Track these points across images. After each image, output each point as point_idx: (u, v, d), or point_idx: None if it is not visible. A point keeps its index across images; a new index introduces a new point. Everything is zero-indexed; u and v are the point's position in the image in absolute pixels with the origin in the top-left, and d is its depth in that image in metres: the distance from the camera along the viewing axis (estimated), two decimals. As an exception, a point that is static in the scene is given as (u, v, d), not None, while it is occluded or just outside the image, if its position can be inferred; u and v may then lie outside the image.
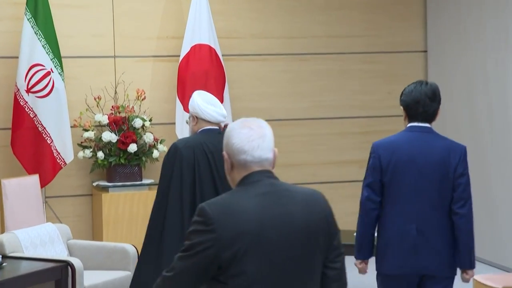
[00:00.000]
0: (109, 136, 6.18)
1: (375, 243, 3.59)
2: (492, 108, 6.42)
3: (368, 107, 7.17)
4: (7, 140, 6.09)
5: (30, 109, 5.99)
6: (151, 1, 6.64)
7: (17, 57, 6.04)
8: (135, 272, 3.85)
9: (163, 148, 6.29)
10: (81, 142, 6.29)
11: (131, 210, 6.13)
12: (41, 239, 5.04)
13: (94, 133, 6.25)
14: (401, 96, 3.59)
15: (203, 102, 3.78)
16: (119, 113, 6.35)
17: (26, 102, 5.98)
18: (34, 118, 5.99)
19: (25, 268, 4.62)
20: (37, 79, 5.99)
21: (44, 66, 6.00)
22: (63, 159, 6.07)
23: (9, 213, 5.29)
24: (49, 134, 6.01)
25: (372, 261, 3.64)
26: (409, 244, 3.46)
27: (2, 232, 5.30)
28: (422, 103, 3.49)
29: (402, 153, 3.47)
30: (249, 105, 6.87)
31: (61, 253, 5.10)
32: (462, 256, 3.49)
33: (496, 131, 6.38)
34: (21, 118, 5.99)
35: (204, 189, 3.65)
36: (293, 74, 7.02)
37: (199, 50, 6.42)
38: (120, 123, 6.26)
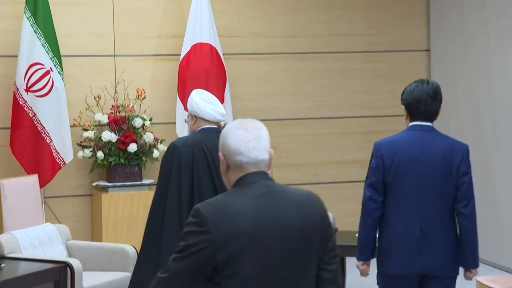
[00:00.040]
0: (109, 135, 6.17)
1: (376, 243, 3.59)
2: (496, 107, 6.41)
3: (370, 106, 7.16)
4: (6, 140, 6.09)
5: (29, 108, 5.98)
6: (151, 0, 6.63)
7: (16, 56, 6.03)
8: (134, 272, 3.85)
9: (164, 148, 6.28)
10: (81, 142, 6.28)
11: (131, 210, 6.12)
12: (40, 239, 5.03)
13: (94, 133, 6.24)
14: (402, 95, 3.59)
15: (202, 101, 3.78)
16: (119, 112, 6.34)
17: (25, 101, 5.98)
18: (33, 118, 5.98)
19: (24, 269, 4.61)
20: (36, 78, 5.98)
21: (43, 65, 5.99)
22: (62, 159, 6.06)
23: (8, 213, 5.28)
24: (48, 133, 6.00)
25: (373, 262, 3.63)
26: (412, 244, 3.46)
27: (1, 232, 5.29)
28: (424, 102, 3.50)
29: (405, 152, 3.47)
30: (250, 105, 6.86)
31: (60, 254, 5.09)
32: (466, 255, 3.50)
33: (500, 131, 6.37)
34: (20, 117, 5.98)
35: (202, 188, 3.65)
36: (294, 73, 7.01)
37: (199, 49, 6.42)
38: (120, 123, 6.25)
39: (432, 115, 3.53)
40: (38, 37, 5.97)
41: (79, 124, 6.24)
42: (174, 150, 3.71)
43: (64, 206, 6.40)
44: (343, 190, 7.05)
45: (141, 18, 6.61)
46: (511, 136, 6.26)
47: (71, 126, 6.14)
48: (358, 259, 3.60)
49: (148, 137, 6.28)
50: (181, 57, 6.43)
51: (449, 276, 3.52)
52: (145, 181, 6.28)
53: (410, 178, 3.46)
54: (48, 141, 6.01)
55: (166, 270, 2.12)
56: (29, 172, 5.93)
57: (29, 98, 5.98)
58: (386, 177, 3.48)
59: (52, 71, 6.01)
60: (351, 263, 5.30)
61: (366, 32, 7.14)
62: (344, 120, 7.14)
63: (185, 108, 6.17)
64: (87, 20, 6.46)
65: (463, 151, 3.50)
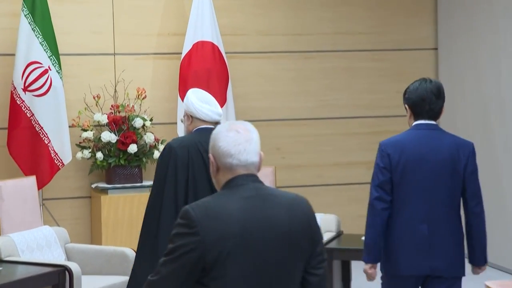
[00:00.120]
0: (108, 136, 6.16)
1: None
2: (504, 107, 6.39)
3: (376, 106, 7.15)
4: (3, 140, 6.08)
5: (27, 108, 5.98)
6: (152, -3, 6.64)
7: (13, 55, 6.04)
8: (132, 273, 3.87)
9: (164, 148, 6.28)
10: (80, 143, 6.28)
11: (131, 212, 6.11)
12: (38, 242, 5.03)
13: (93, 133, 6.24)
14: (404, 94, 3.63)
15: (198, 100, 3.80)
16: (119, 112, 6.34)
17: (23, 101, 5.97)
18: (31, 118, 5.98)
19: (21, 272, 4.60)
20: (34, 77, 5.98)
21: (41, 64, 5.99)
22: (61, 160, 6.06)
23: (5, 215, 5.28)
24: (46, 134, 6.00)
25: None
26: (420, 244, 3.49)
27: (-2, 235, 5.29)
28: (428, 101, 3.53)
29: (411, 151, 3.50)
30: (253, 104, 6.85)
31: (58, 257, 5.09)
32: (477, 254, 3.58)
33: (508, 131, 6.36)
34: (18, 117, 5.98)
35: (198, 188, 3.67)
36: (298, 72, 7.00)
37: (201, 47, 6.41)
38: (120, 123, 6.24)
39: (436, 114, 3.56)
40: (36, 35, 5.97)
41: (78, 125, 6.24)
42: (170, 150, 3.75)
43: (62, 208, 6.40)
44: (348, 192, 7.04)
45: (141, 16, 6.60)
46: (520, 136, 6.25)
47: (69, 127, 6.14)
48: (366, 261, 3.58)
49: (149, 138, 6.28)
50: (182, 55, 6.43)
51: (456, 277, 3.55)
52: (145, 183, 6.27)
53: (417, 177, 3.49)
54: (46, 142, 6.01)
55: (156, 273, 2.17)
56: (26, 173, 5.92)
57: (27, 97, 5.98)
58: (392, 176, 3.51)
59: (50, 70, 6.01)
60: (356, 267, 5.30)
61: (372, 30, 7.12)
62: (349, 120, 7.13)
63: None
64: (86, 18, 6.46)
65: (469, 149, 3.55)
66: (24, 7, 5.97)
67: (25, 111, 5.97)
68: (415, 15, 7.23)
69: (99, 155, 6.17)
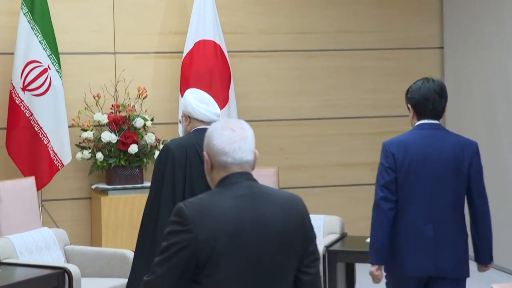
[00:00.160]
0: (108, 136, 6.16)
1: None
2: (511, 107, 6.37)
3: (381, 106, 7.13)
4: (2, 140, 6.08)
5: (26, 108, 5.97)
6: (153, -5, 6.63)
7: (12, 53, 6.03)
8: (130, 274, 3.88)
9: (165, 149, 6.27)
10: (80, 143, 6.27)
11: (131, 214, 6.10)
12: (36, 244, 5.02)
13: (93, 133, 6.23)
14: (407, 94, 3.66)
15: (196, 101, 3.81)
16: (119, 112, 6.33)
17: (22, 101, 5.97)
18: (30, 117, 5.98)
19: (20, 275, 4.60)
20: (33, 76, 5.98)
21: (41, 63, 5.99)
22: (61, 160, 6.05)
23: (4, 217, 5.27)
24: (45, 134, 5.99)
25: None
26: (426, 245, 3.50)
27: (-4, 237, 5.28)
28: (431, 100, 3.56)
29: (415, 151, 3.52)
30: (255, 104, 6.84)
31: (57, 260, 5.08)
32: (483, 253, 3.61)
33: (516, 132, 6.34)
34: (17, 117, 5.98)
35: (196, 189, 3.68)
36: (301, 71, 6.99)
37: (203, 46, 6.40)
38: (120, 123, 6.23)
39: (439, 113, 3.59)
40: (35, 34, 5.97)
41: (78, 124, 6.23)
42: (167, 151, 3.77)
43: (62, 209, 6.40)
44: (352, 193, 7.02)
45: (142, 14, 6.60)
46: (528, 137, 6.23)
47: (69, 127, 6.14)
48: (373, 263, 3.57)
49: (150, 138, 6.27)
50: (184, 54, 6.42)
51: (460, 278, 3.57)
52: (146, 184, 6.26)
53: (421, 177, 3.51)
54: (45, 142, 6.00)
55: (151, 272, 2.19)
56: (25, 174, 5.92)
57: (26, 97, 5.97)
58: (397, 176, 3.52)
59: (49, 69, 6.00)
60: (361, 270, 5.28)
61: (376, 28, 7.11)
62: (353, 120, 7.11)
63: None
64: (86, 16, 6.45)
65: (473, 149, 3.57)
66: (23, 5, 5.96)
67: (24, 111, 5.97)
68: (420, 14, 7.21)
69: (99, 155, 6.16)
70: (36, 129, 5.99)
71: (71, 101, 6.29)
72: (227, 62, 6.49)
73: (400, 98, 7.06)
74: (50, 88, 6.00)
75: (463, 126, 6.83)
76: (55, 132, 6.02)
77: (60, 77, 6.07)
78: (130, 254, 5.07)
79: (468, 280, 3.63)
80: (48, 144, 6.01)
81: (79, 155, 6.21)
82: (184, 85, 6.34)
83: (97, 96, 6.31)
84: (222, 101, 6.39)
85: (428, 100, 3.55)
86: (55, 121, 6.02)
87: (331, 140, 7.06)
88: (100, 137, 6.19)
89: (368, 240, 3.67)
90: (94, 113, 6.27)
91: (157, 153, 6.25)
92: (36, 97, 5.98)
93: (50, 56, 6.01)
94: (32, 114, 5.98)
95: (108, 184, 6.25)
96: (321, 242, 5.23)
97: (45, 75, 5.99)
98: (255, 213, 2.19)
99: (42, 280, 4.55)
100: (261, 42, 6.89)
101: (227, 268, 2.14)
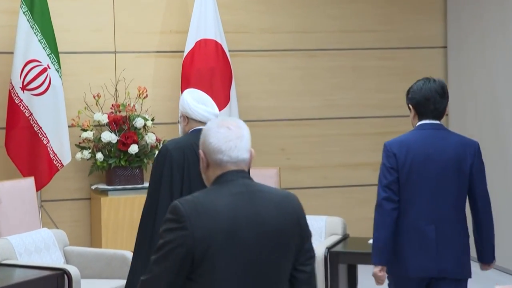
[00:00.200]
0: (108, 136, 6.16)
1: None
2: (516, 107, 6.37)
3: (384, 106, 7.13)
4: (1, 141, 6.09)
5: (25, 108, 5.97)
6: (153, -6, 6.63)
7: (12, 53, 6.04)
8: (129, 276, 3.90)
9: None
10: (79, 143, 6.27)
11: (131, 215, 6.10)
12: (36, 245, 5.02)
13: (93, 133, 6.24)
14: (407, 94, 3.68)
15: (193, 101, 3.82)
16: (120, 112, 6.34)
17: (21, 100, 5.97)
18: (30, 117, 5.98)
19: (19, 276, 4.60)
20: (33, 75, 5.98)
21: (40, 62, 5.99)
22: (60, 160, 6.06)
23: (3, 217, 5.28)
24: (45, 134, 6.00)
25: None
26: (428, 246, 3.52)
27: (-5, 237, 5.29)
28: (432, 100, 3.58)
29: (417, 151, 3.54)
30: (257, 104, 6.84)
31: (57, 261, 5.08)
32: (486, 252, 3.64)
33: (520, 132, 6.34)
34: (16, 117, 5.98)
35: (193, 190, 3.68)
36: (303, 71, 6.99)
37: (204, 45, 6.40)
38: (121, 123, 6.24)
39: (440, 113, 3.61)
40: (34, 33, 5.97)
41: (78, 124, 6.24)
42: (165, 152, 3.79)
43: (61, 210, 6.40)
44: (354, 194, 7.02)
45: (143, 13, 6.60)
46: (532, 137, 6.23)
47: (69, 126, 6.14)
48: (377, 263, 3.58)
49: (150, 138, 6.27)
50: (185, 54, 6.42)
51: (462, 279, 3.59)
52: (146, 184, 6.22)
53: (422, 177, 3.53)
54: (45, 142, 6.01)
55: (148, 271, 2.21)
56: (25, 174, 5.92)
57: (25, 96, 5.97)
58: (399, 176, 3.54)
59: (49, 68, 6.01)
60: (363, 271, 5.28)
61: (379, 27, 7.11)
62: (356, 120, 7.11)
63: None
64: (86, 15, 6.46)
65: (474, 148, 3.58)
66: (23, 4, 5.97)
67: (24, 111, 5.97)
68: (424, 13, 7.21)
69: (99, 155, 6.16)
70: (36, 129, 5.99)
71: (71, 100, 6.29)
72: (229, 61, 6.49)
73: (403, 98, 7.07)
74: (50, 88, 6.01)
75: (467, 125, 6.83)
76: (54, 132, 6.02)
77: (60, 76, 6.07)
78: (130, 255, 5.07)
79: (469, 280, 3.65)
80: (47, 144, 6.01)
81: (79, 155, 6.22)
82: (185, 84, 6.34)
83: (97, 95, 6.32)
84: (223, 101, 6.40)
85: (429, 100, 3.57)
86: (55, 121, 6.02)
87: (333, 140, 7.06)
88: (100, 137, 6.19)
89: (371, 241, 3.67)
90: (94, 113, 6.28)
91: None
92: (36, 97, 5.98)
93: (50, 55, 6.01)
94: (31, 114, 5.98)
95: (108, 184, 6.25)
96: (323, 243, 5.24)
97: (44, 75, 6.00)
98: (250, 211, 2.21)
99: (41, 282, 4.55)
100: (262, 42, 6.89)
101: (223, 266, 2.16)
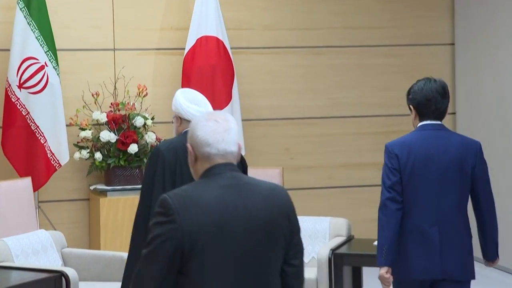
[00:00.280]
0: (107, 135, 6.15)
1: None
2: (524, 106, 6.36)
3: (389, 105, 7.12)
4: (-2, 140, 6.08)
5: (22, 106, 5.96)
6: (153, -10, 6.62)
7: (8, 50, 6.03)
8: (123, 280, 3.89)
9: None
10: (78, 142, 6.27)
11: (131, 216, 6.04)
12: (33, 247, 5.02)
13: (92, 133, 6.23)
14: (408, 94, 3.72)
15: (186, 101, 3.83)
16: (119, 110, 6.33)
17: (18, 99, 5.96)
18: (27, 116, 5.97)
19: (16, 278, 4.59)
20: (30, 73, 5.98)
21: (37, 59, 5.98)
22: (58, 160, 6.05)
23: (-1, 218, 5.27)
24: (42, 133, 5.99)
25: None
26: (432, 248, 3.55)
27: (-9, 239, 5.28)
28: (434, 101, 3.62)
29: (419, 152, 3.58)
30: (259, 102, 6.83)
31: (54, 263, 5.08)
32: (490, 250, 3.68)
33: (529, 131, 6.32)
34: (13, 115, 5.97)
35: None
36: (307, 68, 6.98)
37: (205, 42, 6.40)
38: (120, 122, 6.23)
39: (442, 114, 3.65)
40: (32, 30, 5.96)
41: (76, 123, 6.23)
42: (157, 153, 3.81)
43: (59, 211, 6.39)
44: (359, 194, 7.01)
45: (143, 9, 6.59)
46: (541, 136, 6.21)
47: (67, 125, 6.13)
48: (383, 265, 3.59)
49: (150, 137, 6.26)
50: (186, 51, 6.41)
51: (466, 280, 3.62)
52: (146, 185, 6.25)
53: (424, 178, 3.56)
54: (42, 142, 6.00)
55: (140, 266, 2.25)
56: (21, 174, 5.92)
57: (22, 95, 5.96)
58: (401, 177, 3.58)
59: (46, 66, 6.00)
60: (368, 274, 5.27)
61: (385, 24, 7.09)
62: (360, 119, 7.10)
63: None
64: (84, 11, 6.45)
65: (476, 148, 3.62)
66: (20, 0, 5.95)
67: (20, 109, 5.96)
68: (430, 9, 7.19)
69: (98, 155, 6.15)
70: (33, 128, 5.98)
71: (69, 99, 6.28)
72: (230, 59, 6.48)
73: (409, 96, 7.09)
74: (47, 86, 6.00)
75: (474, 124, 6.81)
76: (52, 131, 6.01)
77: (58, 74, 6.06)
78: (129, 257, 5.07)
79: (473, 282, 3.68)
80: (45, 144, 6.00)
81: (77, 155, 6.21)
82: (186, 82, 6.33)
83: (96, 94, 6.31)
84: (225, 99, 6.39)
85: (431, 101, 3.61)
86: (52, 120, 6.01)
87: (338, 140, 7.04)
88: (99, 136, 6.18)
89: (376, 243, 3.67)
90: (93, 112, 6.27)
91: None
92: (33, 95, 5.97)
93: (47, 52, 6.00)
94: (28, 112, 5.97)
95: (107, 185, 6.24)
96: (327, 245, 5.23)
97: (42, 72, 5.99)
98: (239, 203, 2.24)
99: (38, 284, 4.55)
100: (265, 38, 6.88)
101: (212, 259, 2.19)
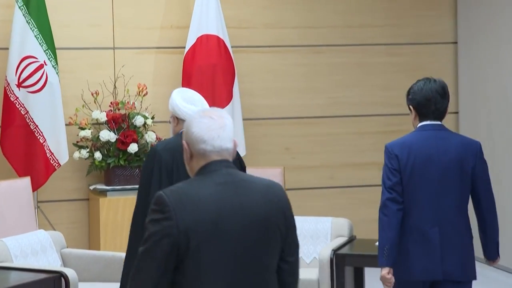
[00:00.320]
0: (107, 135, 6.15)
1: None
2: (528, 105, 6.36)
3: (391, 104, 7.11)
4: (-4, 139, 6.08)
5: (21, 105, 5.97)
6: (153, -12, 6.62)
7: (7, 49, 6.03)
8: (122, 278, 3.90)
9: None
10: (77, 142, 6.27)
11: (131, 216, 6.03)
12: (32, 247, 5.02)
13: (91, 132, 6.23)
14: (408, 95, 3.75)
15: (182, 101, 3.83)
16: (119, 110, 6.33)
17: (17, 98, 5.97)
18: (26, 115, 5.97)
19: (14, 279, 4.59)
20: (29, 72, 5.98)
21: (36, 58, 5.98)
22: (57, 160, 6.05)
23: (-2, 219, 5.28)
24: (41, 132, 5.99)
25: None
26: (432, 248, 3.58)
27: (-10, 239, 5.28)
28: (433, 101, 3.64)
29: (419, 152, 3.60)
30: (260, 101, 6.83)
31: (54, 263, 5.08)
32: (491, 249, 3.71)
33: (533, 131, 6.32)
34: (12, 115, 5.97)
35: None
36: (308, 67, 6.98)
37: (206, 41, 6.39)
38: (120, 121, 6.23)
39: (442, 114, 3.67)
40: (31, 28, 5.96)
41: (75, 123, 6.23)
42: (154, 154, 3.81)
43: (58, 211, 6.39)
44: (361, 194, 7.01)
45: (143, 7, 6.59)
46: (545, 136, 6.21)
47: (66, 125, 6.13)
48: (384, 265, 3.60)
49: (150, 137, 6.26)
50: (186, 50, 6.41)
51: (467, 281, 3.64)
52: (146, 185, 6.25)
53: (425, 179, 3.59)
54: (41, 141, 6.00)
55: (136, 264, 2.25)
56: (20, 174, 5.92)
57: (21, 94, 5.97)
58: (401, 178, 3.60)
59: (46, 65, 6.00)
60: (370, 274, 5.26)
61: (386, 22, 7.09)
62: (362, 118, 7.10)
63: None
64: (84, 10, 6.45)
65: (476, 149, 3.64)
66: (19, -2, 5.97)
67: (19, 109, 5.96)
68: (433, 7, 7.19)
69: (98, 155, 6.15)
70: (32, 128, 5.98)
71: (68, 98, 6.28)
72: (231, 57, 6.48)
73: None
74: (47, 85, 6.00)
75: (478, 124, 6.81)
76: (51, 131, 6.01)
77: (57, 73, 6.06)
78: (129, 257, 5.07)
79: (474, 282, 3.70)
80: (44, 143, 6.00)
81: (76, 154, 6.21)
82: (186, 81, 6.33)
83: (96, 93, 6.31)
84: (226, 98, 6.39)
85: (431, 101, 3.63)
86: (52, 119, 6.01)
87: (339, 139, 7.04)
88: (99, 135, 6.19)
89: (378, 243, 3.68)
90: (92, 111, 6.27)
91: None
92: (32, 94, 5.97)
93: (47, 51, 6.00)
94: (27, 111, 5.97)
95: (107, 184, 6.24)
96: (329, 246, 5.22)
97: (41, 71, 5.99)
98: (236, 200, 2.26)
99: (37, 285, 4.55)
100: (266, 37, 6.87)
101: (208, 256, 2.20)
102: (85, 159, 6.24)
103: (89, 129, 6.22)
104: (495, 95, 6.71)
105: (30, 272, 4.67)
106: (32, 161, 6.00)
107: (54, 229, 5.92)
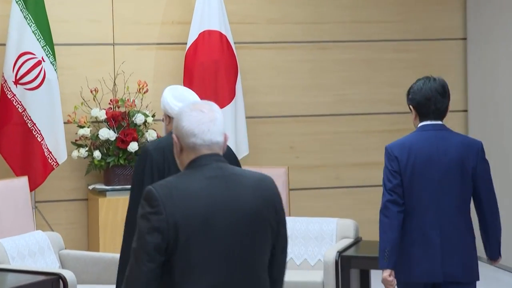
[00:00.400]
0: (107, 133, 6.16)
1: None
2: (539, 103, 6.35)
3: (399, 101, 7.09)
4: (-7, 138, 6.10)
5: (18, 103, 5.98)
6: (154, -18, 6.63)
7: (4, 45, 6.05)
8: (117, 276, 3.91)
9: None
10: (76, 140, 6.28)
11: (131, 216, 6.10)
12: (29, 249, 5.03)
13: (90, 130, 6.24)
14: (408, 94, 3.78)
15: (173, 99, 3.86)
16: (118, 107, 6.34)
17: (14, 95, 5.98)
18: (23, 113, 5.99)
19: (11, 281, 4.60)
20: (26, 69, 5.99)
21: (34, 54, 6.00)
22: (55, 159, 6.06)
23: (-5, 219, 5.29)
24: (39, 131, 6.00)
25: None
26: (433, 250, 3.61)
27: (-13, 240, 5.29)
28: (433, 100, 3.66)
29: (419, 153, 3.63)
30: (264, 99, 6.83)
31: (52, 265, 5.09)
32: (492, 248, 3.74)
33: (544, 129, 6.31)
34: (9, 112, 5.99)
35: None
36: (313, 64, 6.98)
37: (208, 37, 6.40)
38: (120, 119, 6.24)
39: (442, 113, 3.70)
40: (28, 24, 5.97)
41: (74, 121, 6.24)
42: (145, 154, 3.82)
43: (57, 211, 6.40)
44: (367, 195, 7.00)
45: (143, 3, 6.60)
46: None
47: (65, 123, 6.15)
48: (385, 267, 3.63)
49: (151, 135, 6.27)
50: (188, 46, 6.42)
51: (471, 282, 3.67)
52: (146, 184, 6.26)
53: (426, 180, 3.62)
54: (39, 139, 6.01)
55: (130, 261, 2.28)
56: (18, 173, 5.93)
57: (18, 91, 5.98)
58: (402, 179, 3.63)
59: (44, 61, 6.01)
60: (376, 277, 5.27)
61: (394, 18, 7.09)
62: (369, 116, 7.10)
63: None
64: (83, 5, 6.46)
65: (477, 148, 3.67)
66: (16, -7, 5.98)
67: (17, 106, 5.98)
68: (442, 2, 7.18)
69: (97, 154, 6.16)
70: (29, 126, 6.00)
71: (67, 95, 6.29)
72: (234, 54, 6.49)
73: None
74: (44, 82, 6.01)
75: (487, 122, 6.81)
76: (49, 129, 6.02)
77: (55, 70, 6.07)
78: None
79: (477, 282, 3.71)
80: (42, 142, 6.02)
81: (75, 153, 6.22)
82: (188, 78, 6.34)
83: (95, 90, 6.32)
84: (229, 95, 6.39)
85: (430, 101, 3.65)
86: (50, 117, 6.02)
87: (345, 138, 7.04)
88: (98, 134, 6.20)
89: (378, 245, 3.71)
90: (92, 109, 6.28)
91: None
92: (30, 91, 5.99)
93: (44, 47, 6.01)
94: (25, 109, 5.99)
95: (106, 184, 6.25)
96: (334, 247, 5.23)
97: (39, 68, 6.00)
98: (226, 195, 2.29)
99: (35, 287, 4.55)
100: (270, 33, 6.88)
101: (199, 251, 2.23)
102: (84, 158, 6.25)
103: (88, 127, 6.23)
104: (505, 93, 6.71)
105: (28, 274, 4.68)
106: (29, 160, 6.01)
107: (52, 230, 5.93)
